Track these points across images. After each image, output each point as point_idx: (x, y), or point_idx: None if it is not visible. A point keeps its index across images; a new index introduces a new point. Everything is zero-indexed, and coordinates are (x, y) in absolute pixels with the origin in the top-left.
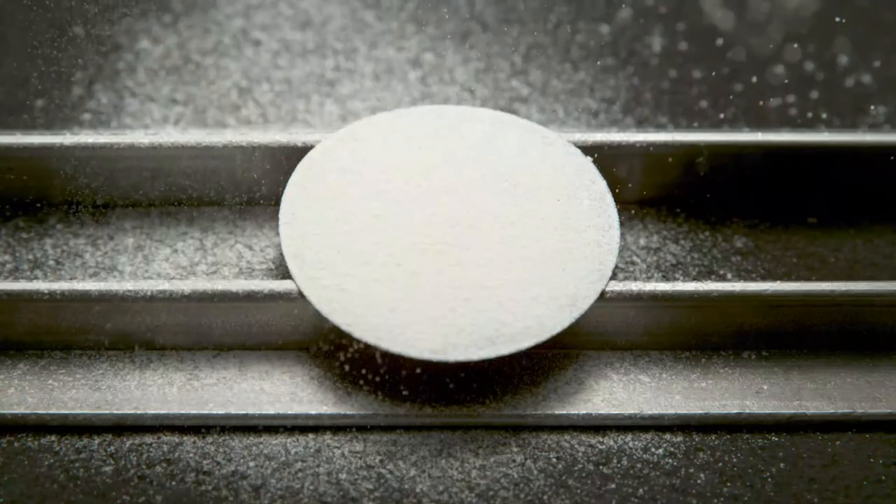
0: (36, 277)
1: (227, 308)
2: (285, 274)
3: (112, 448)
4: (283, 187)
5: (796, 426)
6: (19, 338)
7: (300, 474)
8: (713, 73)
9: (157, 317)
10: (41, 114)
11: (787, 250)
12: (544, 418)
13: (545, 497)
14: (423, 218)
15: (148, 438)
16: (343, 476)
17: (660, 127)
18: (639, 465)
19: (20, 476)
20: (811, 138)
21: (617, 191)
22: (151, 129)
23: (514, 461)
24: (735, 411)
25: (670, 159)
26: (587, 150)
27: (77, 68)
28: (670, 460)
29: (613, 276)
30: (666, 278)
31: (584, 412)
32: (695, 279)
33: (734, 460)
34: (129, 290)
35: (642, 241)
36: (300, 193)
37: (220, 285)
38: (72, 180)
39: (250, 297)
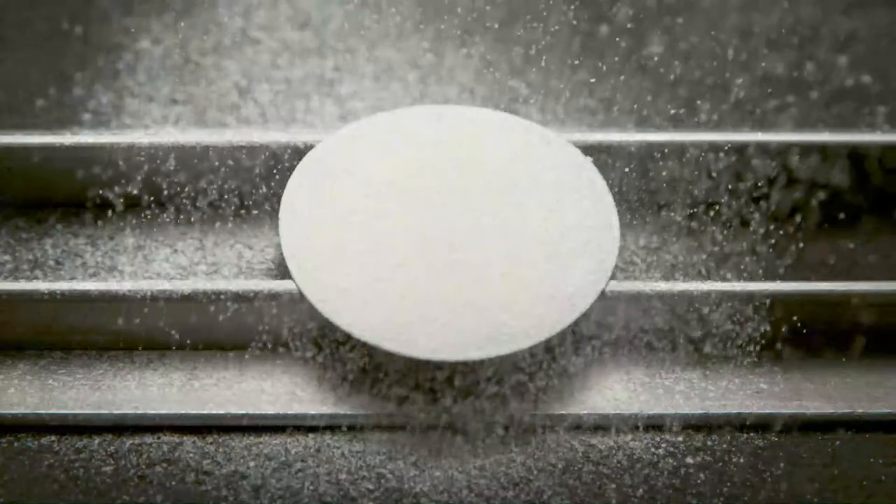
0: (36, 277)
1: (227, 308)
2: (285, 274)
3: (112, 448)
4: (283, 187)
5: (796, 426)
6: (19, 338)
7: (300, 474)
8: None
9: (157, 317)
10: (41, 114)
11: (788, 250)
12: (544, 418)
13: (545, 497)
14: (423, 218)
15: (148, 438)
16: (343, 476)
17: (659, 127)
18: (639, 465)
19: (20, 476)
20: (811, 138)
21: (617, 190)
22: (151, 129)
23: (514, 461)
24: (735, 411)
25: (670, 159)
26: (587, 150)
27: (77, 68)
28: (670, 460)
29: (613, 276)
30: (666, 278)
31: (584, 412)
32: (695, 279)
33: (734, 460)
34: (129, 290)
35: (642, 241)
36: (300, 193)
37: (220, 285)
38: (72, 180)
39: (250, 297)
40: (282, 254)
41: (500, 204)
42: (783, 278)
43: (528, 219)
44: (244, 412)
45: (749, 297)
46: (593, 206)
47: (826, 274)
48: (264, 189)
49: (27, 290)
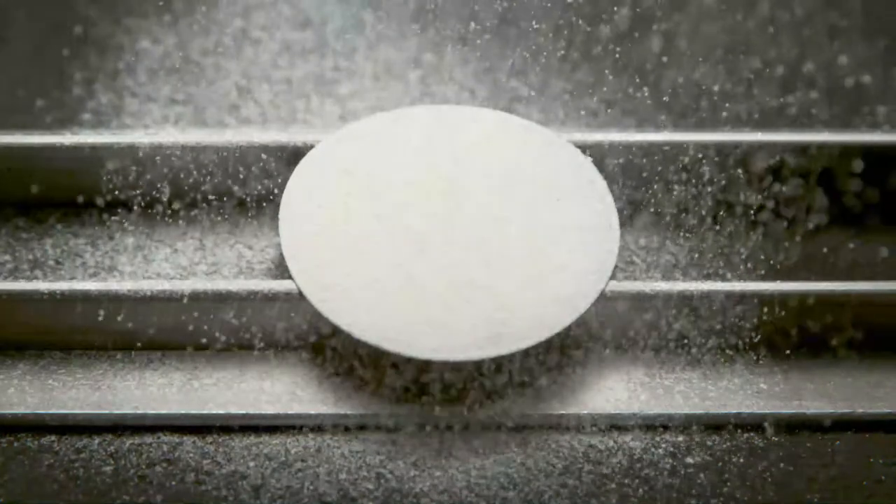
0: (36, 277)
1: (227, 308)
2: (285, 274)
3: (112, 448)
4: (283, 187)
5: (796, 426)
6: (19, 338)
7: (300, 474)
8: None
9: (157, 317)
10: (41, 114)
11: (788, 250)
12: (544, 418)
13: (545, 497)
14: (423, 218)
15: (148, 438)
16: (343, 476)
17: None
18: (639, 465)
19: (20, 476)
20: (811, 138)
21: (617, 190)
22: (151, 129)
23: (514, 461)
24: (735, 411)
25: (670, 159)
26: (587, 150)
27: (77, 68)
28: (670, 460)
29: (613, 276)
30: (666, 278)
31: (584, 412)
32: (695, 279)
33: (734, 460)
34: (129, 290)
35: (642, 241)
36: (300, 193)
37: (220, 285)
38: (72, 180)
39: (250, 297)
40: (282, 254)
41: (500, 204)
42: (783, 278)
43: (528, 219)
44: (244, 412)
45: (749, 296)
46: (593, 206)
47: (826, 274)
48: (264, 189)
49: (27, 290)
